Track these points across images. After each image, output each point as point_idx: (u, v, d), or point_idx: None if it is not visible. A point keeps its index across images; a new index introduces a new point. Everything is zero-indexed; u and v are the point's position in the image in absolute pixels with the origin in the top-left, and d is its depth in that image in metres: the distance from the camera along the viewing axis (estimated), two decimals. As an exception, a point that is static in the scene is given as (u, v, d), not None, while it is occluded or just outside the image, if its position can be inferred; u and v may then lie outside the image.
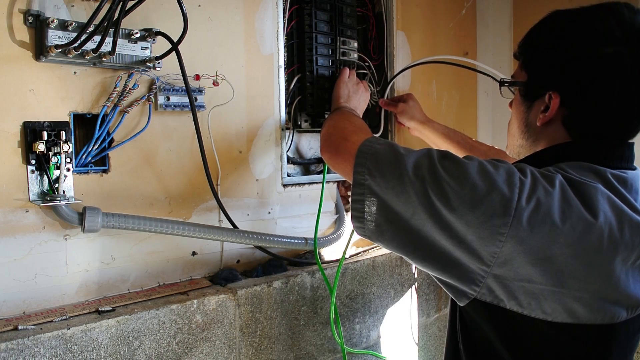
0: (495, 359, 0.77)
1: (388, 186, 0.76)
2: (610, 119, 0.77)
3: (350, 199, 0.82)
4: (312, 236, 1.30)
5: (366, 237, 0.81)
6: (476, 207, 0.69)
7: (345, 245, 1.29)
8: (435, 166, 0.73)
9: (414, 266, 1.54)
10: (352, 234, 1.24)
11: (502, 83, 0.91)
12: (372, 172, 0.79)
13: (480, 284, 0.71)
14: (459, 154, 1.39)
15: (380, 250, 1.50)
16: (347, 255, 1.38)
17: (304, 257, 1.37)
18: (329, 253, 1.43)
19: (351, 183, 0.82)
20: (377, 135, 1.55)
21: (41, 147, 0.92)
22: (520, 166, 0.74)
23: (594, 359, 0.75)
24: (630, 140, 0.81)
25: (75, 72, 0.99)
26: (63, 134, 0.94)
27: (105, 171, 1.04)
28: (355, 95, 1.30)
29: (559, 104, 0.79)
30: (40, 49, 0.92)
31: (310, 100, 1.41)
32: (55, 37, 0.91)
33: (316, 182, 1.41)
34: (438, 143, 1.45)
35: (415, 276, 1.55)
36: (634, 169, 0.80)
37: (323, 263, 1.33)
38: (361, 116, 1.30)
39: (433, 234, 0.72)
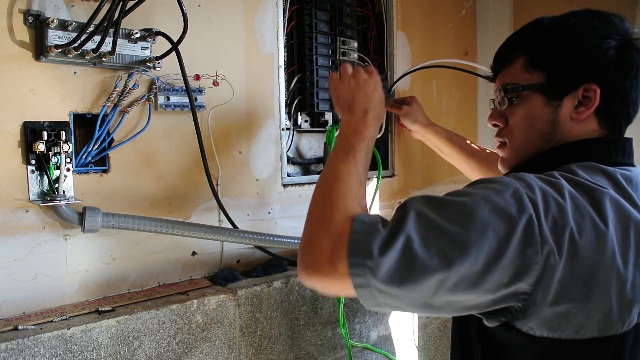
0: None
1: (396, 277, 0.64)
2: (633, 107, 0.79)
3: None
4: (312, 236, 1.30)
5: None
6: (505, 248, 0.63)
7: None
8: (443, 229, 0.64)
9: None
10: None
11: (511, 90, 0.84)
12: (374, 270, 0.64)
13: (515, 313, 0.68)
14: (461, 159, 1.37)
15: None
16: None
17: (304, 257, 1.36)
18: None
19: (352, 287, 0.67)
20: (378, 136, 1.55)
21: (41, 147, 0.92)
22: (521, 178, 0.69)
23: None
24: (628, 136, 0.82)
25: (75, 72, 0.99)
26: (63, 134, 0.94)
27: (105, 171, 1.04)
28: (359, 92, 0.97)
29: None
30: (40, 49, 0.92)
31: (310, 100, 1.41)
32: (55, 37, 0.91)
33: (316, 182, 1.41)
34: (440, 147, 1.44)
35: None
36: (635, 165, 0.80)
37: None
38: (384, 102, 1.00)
39: (466, 294, 0.66)
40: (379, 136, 1.56)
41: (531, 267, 0.64)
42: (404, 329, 1.54)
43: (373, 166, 1.29)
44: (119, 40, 0.95)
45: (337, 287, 0.70)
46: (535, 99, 0.82)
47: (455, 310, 0.70)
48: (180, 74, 1.04)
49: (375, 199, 1.38)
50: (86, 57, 0.94)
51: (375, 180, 1.45)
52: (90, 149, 1.01)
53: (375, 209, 1.56)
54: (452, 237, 0.63)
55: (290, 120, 1.41)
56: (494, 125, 0.88)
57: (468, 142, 1.42)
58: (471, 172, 1.38)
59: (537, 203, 0.65)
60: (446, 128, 1.48)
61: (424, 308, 0.68)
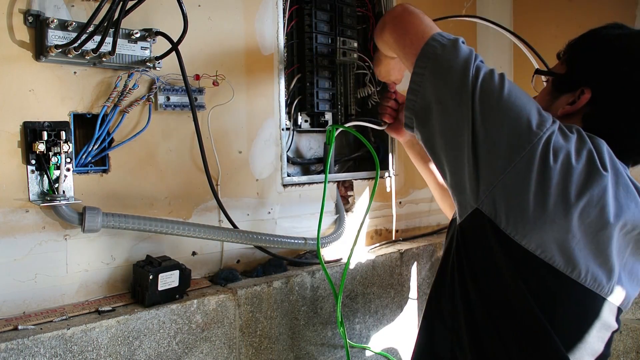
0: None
1: (450, 66, 0.79)
2: (633, 133, 0.83)
3: (412, 72, 0.84)
4: (312, 236, 1.30)
5: (415, 111, 0.84)
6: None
7: (351, 248, 1.28)
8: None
9: (413, 267, 1.54)
10: (357, 236, 1.24)
11: (537, 72, 0.96)
12: (444, 48, 0.80)
13: (487, 192, 0.75)
14: (431, 184, 1.32)
15: (380, 250, 1.50)
16: (345, 256, 1.37)
17: (303, 257, 1.37)
18: (329, 253, 1.43)
19: (416, 55, 0.83)
20: (380, 128, 1.51)
21: (41, 147, 0.92)
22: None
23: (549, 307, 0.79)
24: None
25: (75, 72, 0.99)
26: (63, 134, 0.94)
27: (105, 171, 1.04)
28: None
29: (588, 101, 0.83)
30: (40, 49, 0.92)
31: (310, 100, 1.41)
32: (55, 37, 0.91)
33: (316, 182, 1.41)
34: (418, 166, 1.36)
35: (416, 276, 1.55)
36: None
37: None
38: None
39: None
40: (380, 128, 1.37)
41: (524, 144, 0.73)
42: (403, 329, 1.54)
43: (372, 166, 1.28)
44: (119, 40, 0.95)
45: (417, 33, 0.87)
46: (548, 86, 0.93)
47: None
48: (180, 74, 1.04)
49: (373, 199, 1.38)
50: (86, 57, 0.94)
51: (374, 180, 1.45)
52: (90, 149, 1.01)
53: (374, 210, 1.56)
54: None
55: (290, 120, 1.41)
56: None
57: None
58: (438, 199, 1.34)
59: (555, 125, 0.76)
60: None
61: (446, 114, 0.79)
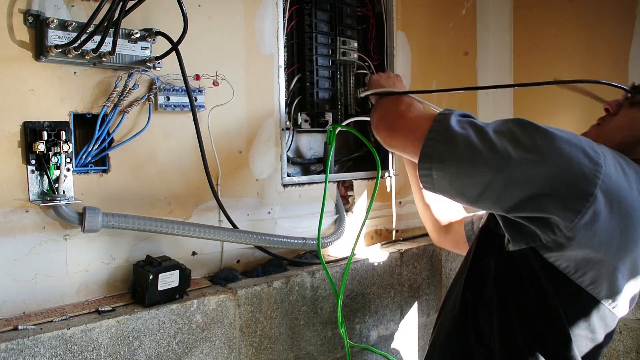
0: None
1: (460, 157, 0.78)
2: None
3: (417, 172, 0.84)
4: (312, 236, 1.30)
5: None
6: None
7: (352, 248, 1.28)
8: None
9: (413, 267, 1.54)
10: (358, 235, 1.24)
11: (635, 89, 0.90)
12: (442, 143, 0.80)
13: (559, 232, 0.74)
14: (417, 196, 1.30)
15: (380, 250, 1.50)
16: (345, 255, 1.37)
17: (303, 257, 1.37)
18: (329, 253, 1.43)
19: (418, 155, 0.83)
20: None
21: (41, 147, 0.92)
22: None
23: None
24: None
25: (75, 72, 0.99)
26: (63, 134, 0.94)
27: (105, 171, 1.04)
28: (389, 80, 1.23)
29: None
30: (40, 49, 0.92)
31: (310, 100, 1.41)
32: (55, 37, 0.91)
33: (316, 182, 1.41)
34: (409, 171, 1.33)
35: (416, 276, 1.55)
36: None
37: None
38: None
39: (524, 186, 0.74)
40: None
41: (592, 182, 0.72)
42: (403, 329, 1.54)
43: (372, 166, 1.28)
44: (119, 40, 0.95)
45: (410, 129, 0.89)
46: None
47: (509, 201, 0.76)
48: (180, 74, 1.04)
49: (373, 199, 1.38)
50: (86, 57, 0.94)
51: (374, 180, 1.45)
52: (90, 149, 1.01)
53: (374, 210, 1.56)
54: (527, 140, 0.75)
55: (290, 120, 1.40)
56: (606, 109, 0.94)
57: (443, 207, 1.30)
58: (420, 210, 1.32)
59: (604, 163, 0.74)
60: None
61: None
